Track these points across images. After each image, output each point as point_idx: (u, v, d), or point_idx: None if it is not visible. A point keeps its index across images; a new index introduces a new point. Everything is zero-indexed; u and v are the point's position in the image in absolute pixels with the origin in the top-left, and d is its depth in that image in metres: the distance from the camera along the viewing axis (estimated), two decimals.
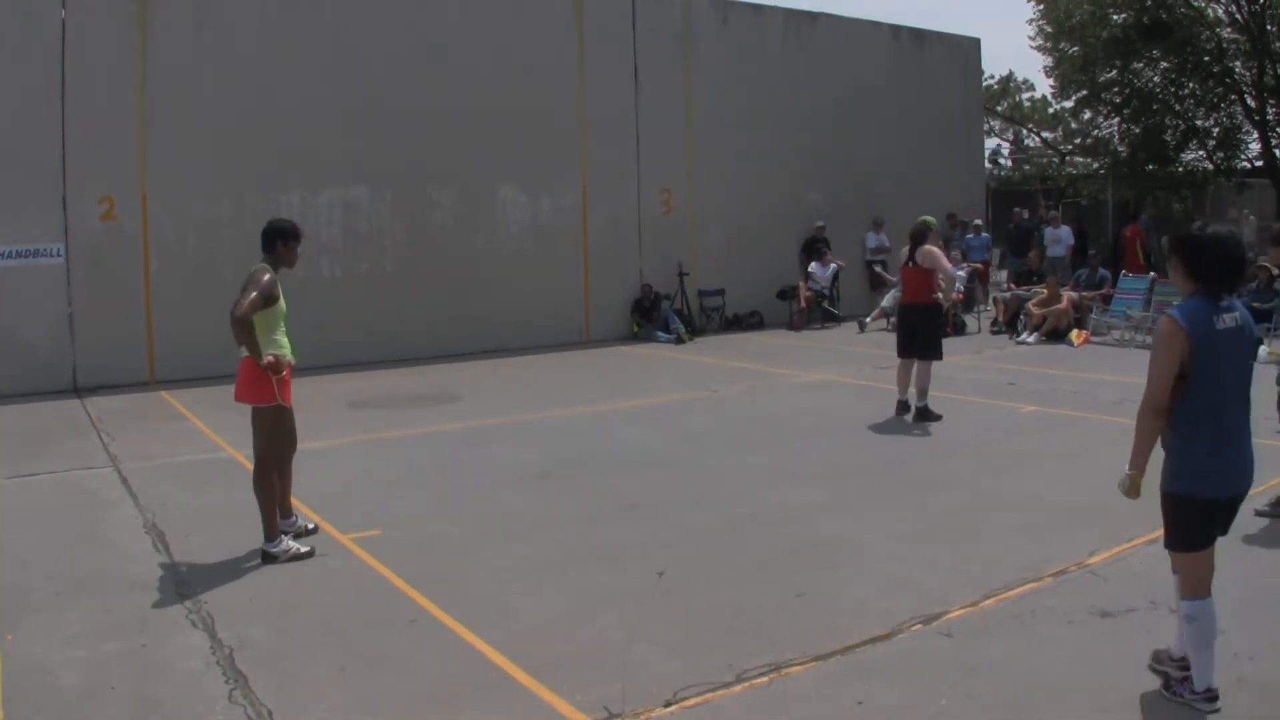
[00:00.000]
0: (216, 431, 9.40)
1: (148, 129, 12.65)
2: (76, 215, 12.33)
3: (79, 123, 12.19)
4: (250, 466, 6.16)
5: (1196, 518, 3.87)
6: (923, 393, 9.57)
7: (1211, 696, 3.86)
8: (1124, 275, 16.39)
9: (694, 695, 4.06)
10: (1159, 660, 4.15)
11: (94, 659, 4.49)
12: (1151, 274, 16.25)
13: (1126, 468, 3.89)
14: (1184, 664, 4.05)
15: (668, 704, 4.00)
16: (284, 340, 5.95)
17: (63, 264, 12.28)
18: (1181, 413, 3.81)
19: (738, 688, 4.13)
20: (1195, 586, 3.90)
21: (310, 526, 6.31)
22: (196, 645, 4.64)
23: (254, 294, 5.66)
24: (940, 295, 9.83)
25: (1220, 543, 5.75)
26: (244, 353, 5.90)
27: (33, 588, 5.41)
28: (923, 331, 9.70)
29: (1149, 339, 14.57)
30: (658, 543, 6.04)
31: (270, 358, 5.73)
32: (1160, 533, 5.96)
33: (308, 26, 13.74)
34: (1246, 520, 6.23)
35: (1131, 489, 3.87)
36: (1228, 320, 3.79)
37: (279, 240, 5.95)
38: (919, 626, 4.71)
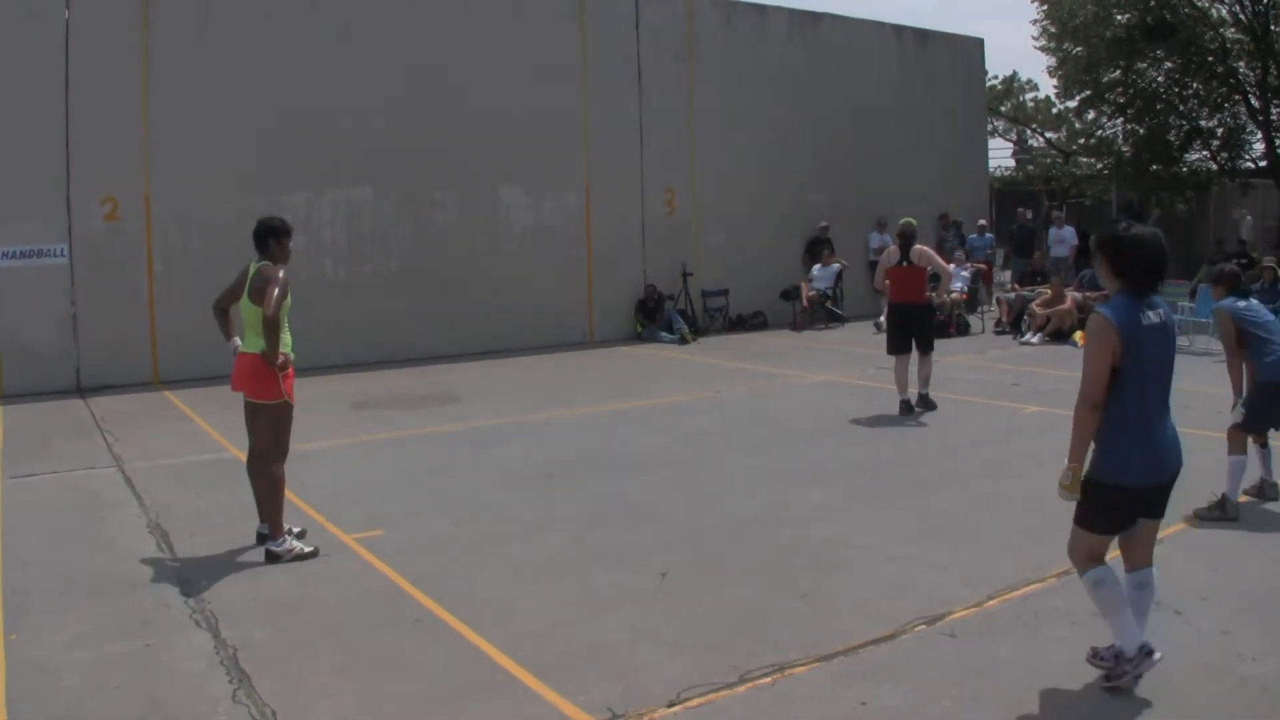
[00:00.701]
0: (220, 432, 9.41)
1: (151, 130, 12.67)
2: (80, 216, 12.35)
3: (83, 123, 12.21)
4: None
5: (1120, 504, 4.00)
6: (926, 380, 9.98)
7: (1148, 652, 3.94)
8: None
9: (697, 696, 4.06)
10: (1101, 656, 4.19)
11: (97, 659, 4.49)
12: None
13: (1066, 461, 3.98)
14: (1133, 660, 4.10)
15: (671, 704, 4.00)
16: (288, 338, 5.99)
17: (66, 264, 12.30)
18: (1113, 406, 3.94)
19: (741, 688, 4.13)
20: (1092, 558, 4.04)
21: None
22: (200, 645, 4.65)
23: (276, 292, 5.72)
24: (935, 294, 10.12)
25: (1224, 541, 5.82)
26: (237, 346, 6.00)
27: (36, 588, 5.41)
28: (921, 330, 10.11)
29: None
30: (661, 543, 6.03)
31: (282, 357, 5.80)
32: (1164, 533, 5.98)
33: (312, 28, 13.75)
34: (1252, 520, 6.24)
35: (1074, 483, 3.96)
36: (1152, 317, 3.95)
37: (271, 238, 5.99)
38: (922, 627, 4.71)
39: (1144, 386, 3.93)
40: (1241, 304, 6.57)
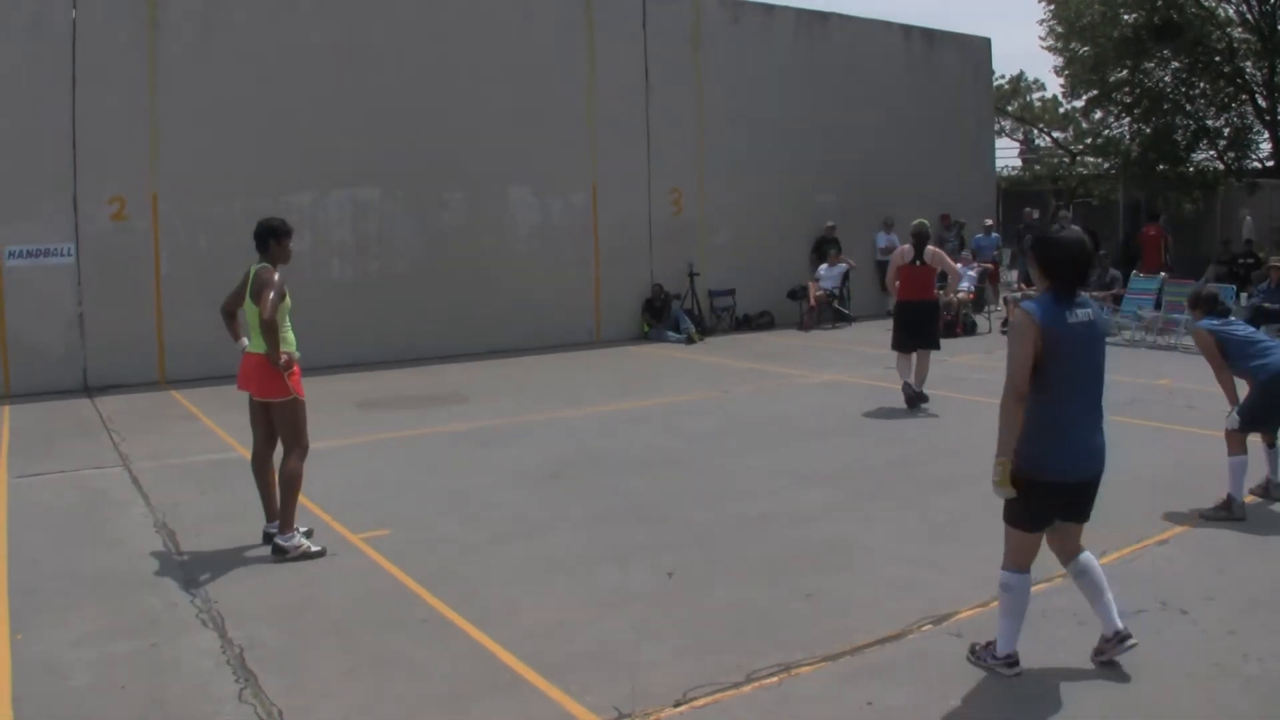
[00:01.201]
0: (227, 431, 9.42)
1: (158, 129, 12.70)
2: (87, 215, 12.38)
3: (90, 123, 12.24)
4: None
5: (1038, 499, 4.08)
6: (923, 380, 10.23)
7: (1012, 662, 4.17)
8: (1135, 275, 16.33)
9: (703, 696, 4.06)
10: (1102, 650, 4.29)
11: (103, 658, 4.50)
12: (1163, 274, 16.19)
13: (996, 456, 4.05)
14: (1121, 636, 4.20)
15: (677, 704, 4.00)
16: (291, 337, 6.03)
17: (73, 264, 12.33)
18: (1034, 401, 4.05)
19: (747, 688, 4.13)
20: (1017, 561, 4.24)
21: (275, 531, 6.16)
22: (206, 645, 4.65)
23: (272, 295, 5.77)
24: (943, 293, 10.30)
25: (1230, 542, 5.81)
26: (245, 346, 6.05)
27: (42, 587, 5.43)
28: (929, 327, 10.39)
29: (1160, 339, 14.53)
30: (667, 543, 6.03)
31: (285, 357, 5.84)
32: (1170, 533, 6.00)
33: (318, 27, 13.77)
34: (1258, 520, 6.22)
35: (1004, 478, 4.02)
36: (1080, 315, 4.05)
37: (271, 239, 6.04)
38: (929, 627, 4.71)
39: (1064, 384, 4.04)
40: (1218, 322, 6.78)
